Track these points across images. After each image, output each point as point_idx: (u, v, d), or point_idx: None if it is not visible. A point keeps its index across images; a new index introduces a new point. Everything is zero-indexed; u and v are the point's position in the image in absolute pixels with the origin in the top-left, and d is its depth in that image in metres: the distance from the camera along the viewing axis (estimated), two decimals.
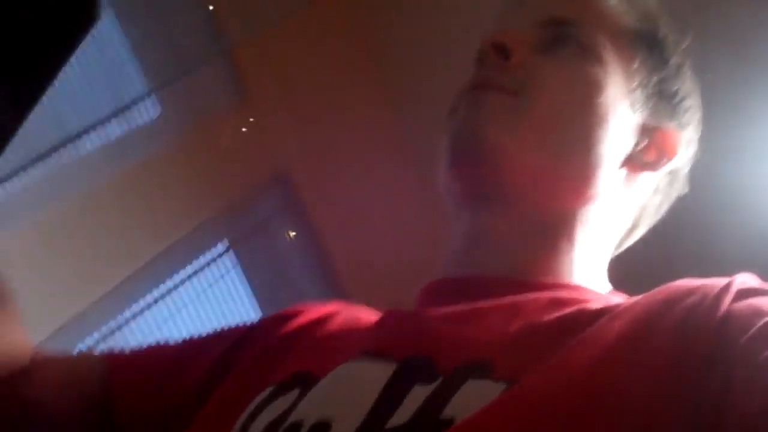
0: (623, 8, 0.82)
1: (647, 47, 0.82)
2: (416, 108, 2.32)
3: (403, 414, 0.61)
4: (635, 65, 0.80)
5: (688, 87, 0.85)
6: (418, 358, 0.66)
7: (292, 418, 0.65)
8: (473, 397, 0.60)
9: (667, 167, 0.82)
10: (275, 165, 2.32)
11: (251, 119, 2.26)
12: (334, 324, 0.81)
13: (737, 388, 0.53)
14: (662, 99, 0.82)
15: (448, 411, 0.60)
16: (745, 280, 0.62)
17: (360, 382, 0.66)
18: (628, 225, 0.84)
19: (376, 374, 0.65)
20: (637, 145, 0.80)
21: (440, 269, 0.79)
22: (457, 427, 0.58)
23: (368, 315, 0.82)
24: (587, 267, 0.79)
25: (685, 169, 0.86)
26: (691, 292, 0.62)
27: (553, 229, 0.77)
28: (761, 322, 0.56)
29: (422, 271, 0.82)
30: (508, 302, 0.71)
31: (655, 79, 0.81)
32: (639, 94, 0.80)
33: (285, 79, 2.30)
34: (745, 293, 0.60)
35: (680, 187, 0.86)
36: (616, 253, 0.85)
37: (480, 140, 0.75)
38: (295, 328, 0.82)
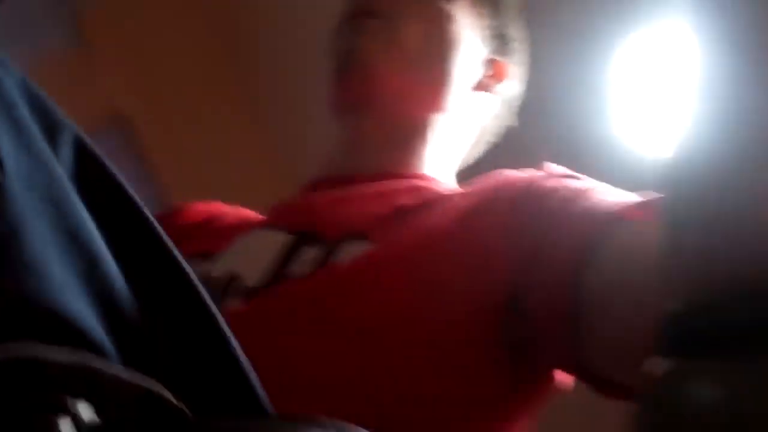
0: None
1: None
2: (254, 58, 2.41)
3: (300, 265, 0.77)
4: (483, 9, 1.00)
5: (519, 33, 1.06)
6: (306, 231, 0.82)
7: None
8: (353, 252, 0.77)
9: (500, 90, 1.03)
10: (113, 107, 2.34)
11: (88, 61, 2.27)
12: (224, 218, 0.95)
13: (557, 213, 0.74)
14: (500, 39, 1.02)
15: (335, 261, 0.77)
16: (556, 167, 0.83)
17: (260, 245, 0.82)
18: (472, 141, 1.03)
19: (272, 239, 0.81)
20: (483, 63, 1.00)
21: (321, 169, 0.97)
22: (338, 268, 0.76)
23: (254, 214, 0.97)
24: (438, 164, 0.97)
25: (515, 103, 1.07)
26: (515, 180, 0.82)
27: (411, 131, 0.96)
28: (569, 192, 0.75)
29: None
30: (376, 189, 0.89)
31: (496, 22, 1.01)
32: (486, 33, 1.00)
33: (124, 22, 2.32)
34: (556, 176, 0.80)
35: (511, 117, 1.07)
36: (463, 165, 1.04)
37: (360, 60, 0.94)
38: (185, 223, 0.95)
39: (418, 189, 0.90)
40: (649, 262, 0.57)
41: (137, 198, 0.48)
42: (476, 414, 0.73)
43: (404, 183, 0.91)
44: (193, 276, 0.48)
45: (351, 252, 0.78)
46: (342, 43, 0.97)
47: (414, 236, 0.79)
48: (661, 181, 0.53)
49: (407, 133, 0.96)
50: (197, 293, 0.47)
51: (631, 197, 0.73)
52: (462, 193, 0.86)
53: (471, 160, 1.06)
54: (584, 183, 0.78)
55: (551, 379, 0.78)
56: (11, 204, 0.40)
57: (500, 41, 1.03)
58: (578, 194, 0.75)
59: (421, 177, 0.94)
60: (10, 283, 0.39)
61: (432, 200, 0.86)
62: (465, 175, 1.03)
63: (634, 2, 1.54)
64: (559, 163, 0.85)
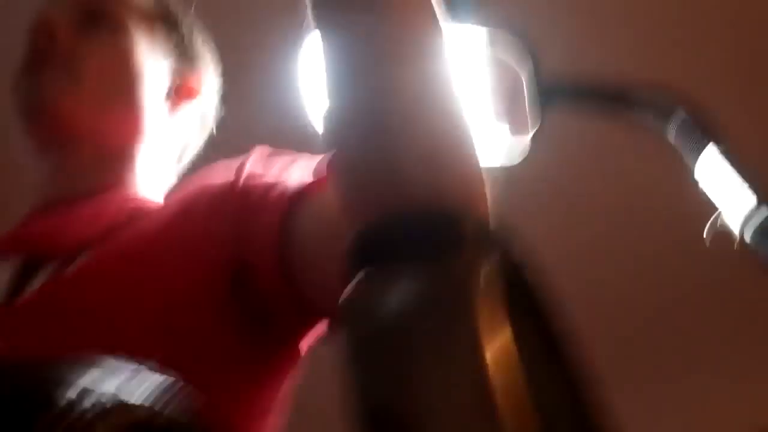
0: None
1: (163, 18, 1.08)
2: None
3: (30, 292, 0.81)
4: (156, 29, 1.06)
5: (201, 45, 1.12)
6: (31, 256, 0.86)
7: None
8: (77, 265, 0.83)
9: (194, 103, 1.09)
10: None
11: None
12: None
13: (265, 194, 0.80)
14: (183, 55, 1.08)
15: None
16: (263, 149, 0.88)
17: None
18: (176, 156, 1.09)
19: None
20: (172, 84, 1.05)
21: (37, 197, 1.00)
22: (62, 278, 0.82)
23: None
24: (146, 183, 1.01)
25: (212, 114, 1.13)
26: (219, 175, 0.87)
27: (112, 158, 1.00)
28: (264, 185, 0.81)
29: None
30: (89, 210, 0.93)
31: (174, 38, 1.07)
32: (168, 51, 1.06)
33: None
34: (258, 163, 0.86)
35: (209, 127, 1.13)
36: (172, 178, 1.08)
37: (45, 107, 0.97)
38: None
39: (128, 207, 0.95)
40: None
41: None
42: (222, 377, 0.78)
43: (115, 202, 0.96)
44: None
45: (75, 266, 0.83)
46: (25, 93, 0.99)
47: (126, 243, 0.84)
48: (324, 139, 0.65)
49: (110, 160, 1.00)
50: None
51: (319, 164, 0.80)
52: (169, 201, 0.93)
53: (182, 170, 1.12)
54: (285, 162, 0.85)
55: (297, 341, 0.84)
56: None
57: (183, 56, 1.09)
58: (271, 185, 0.81)
59: (130, 195, 0.99)
60: None
61: (141, 214, 0.92)
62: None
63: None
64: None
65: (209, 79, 1.12)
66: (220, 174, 0.87)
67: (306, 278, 0.75)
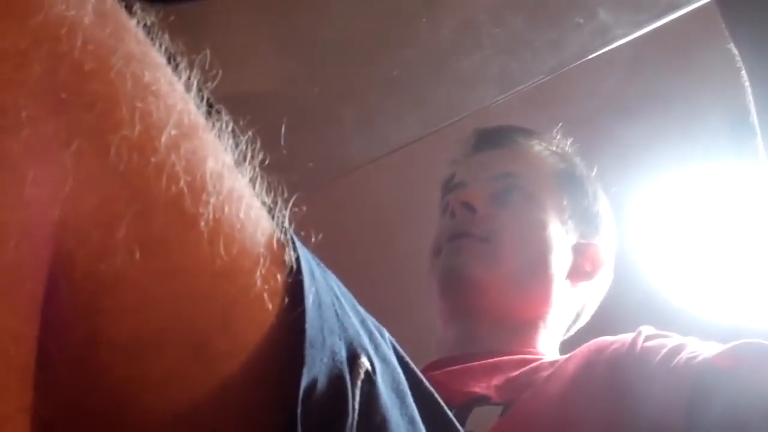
0: (548, 154, 1.11)
1: (570, 183, 1.10)
2: None
3: None
4: (564, 202, 1.08)
5: (602, 207, 1.13)
6: None
7: None
8: (482, 415, 0.87)
9: (599, 274, 1.10)
10: None
11: None
12: None
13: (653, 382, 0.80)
14: (586, 221, 1.10)
15: (468, 427, 0.85)
16: (649, 328, 0.89)
17: None
18: (573, 317, 1.11)
19: None
20: (575, 260, 1.07)
21: (435, 353, 1.06)
22: None
23: None
24: (546, 344, 1.05)
25: (609, 278, 1.14)
26: (613, 342, 0.89)
27: (523, 328, 1.04)
28: (665, 350, 0.82)
29: None
30: (491, 362, 0.97)
31: (579, 208, 1.09)
32: (570, 223, 1.08)
33: None
34: (651, 337, 0.87)
35: (609, 281, 1.15)
36: (566, 336, 1.12)
37: (465, 278, 1.02)
38: None
39: (526, 361, 0.97)
40: (755, 404, 0.69)
41: (431, 387, 0.59)
42: None
43: (514, 357, 0.99)
44: None
45: (480, 415, 0.87)
46: (447, 262, 1.04)
47: (536, 400, 0.87)
48: None
49: (516, 330, 1.04)
50: None
51: (715, 347, 0.80)
52: (566, 359, 0.94)
53: (575, 329, 1.15)
54: (675, 339, 0.85)
55: None
56: (380, 398, 0.49)
57: (586, 222, 1.11)
58: (673, 350, 0.82)
59: (530, 352, 1.02)
60: None
61: (540, 366, 0.94)
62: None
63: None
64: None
65: (609, 247, 1.13)
66: (614, 340, 0.89)
67: None
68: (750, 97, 0.66)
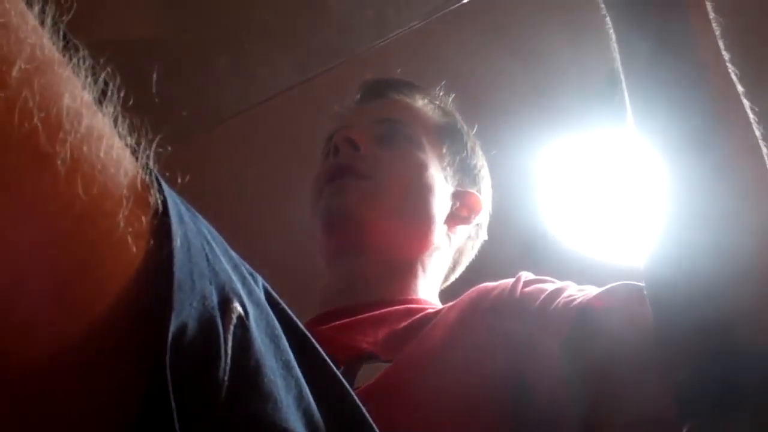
0: (430, 108, 1.14)
1: (449, 135, 1.13)
2: None
3: None
4: (444, 150, 1.11)
5: (480, 161, 1.17)
6: None
7: None
8: (369, 372, 0.86)
9: (476, 220, 1.13)
10: None
11: None
12: None
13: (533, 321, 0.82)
14: (465, 172, 1.13)
15: (356, 384, 0.85)
16: (528, 274, 0.91)
17: None
18: (450, 264, 1.13)
19: None
20: (453, 206, 1.10)
21: (320, 305, 1.05)
22: (365, 388, 0.83)
23: None
24: (427, 291, 1.07)
25: (485, 221, 1.18)
26: (493, 288, 0.91)
27: (404, 268, 1.05)
28: (544, 295, 0.84)
29: None
30: (377, 314, 0.97)
31: (458, 158, 1.12)
32: (449, 170, 1.10)
33: None
34: (530, 282, 0.89)
35: (484, 235, 1.18)
36: (446, 284, 1.15)
37: (347, 216, 1.02)
38: None
39: (413, 311, 0.98)
40: (627, 340, 0.71)
41: (306, 331, 0.58)
42: None
43: (400, 307, 0.99)
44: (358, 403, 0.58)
45: (368, 370, 0.87)
46: (329, 200, 1.04)
47: (418, 351, 0.87)
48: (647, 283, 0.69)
49: (398, 270, 1.05)
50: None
51: (592, 290, 0.82)
52: (449, 307, 0.94)
53: (453, 279, 1.17)
54: (553, 284, 0.87)
55: None
56: (254, 342, 0.48)
57: (465, 173, 1.13)
58: (552, 294, 0.84)
59: (413, 301, 1.03)
60: (257, 407, 0.47)
61: (424, 318, 0.94)
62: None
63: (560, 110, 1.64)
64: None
65: (486, 199, 1.17)
66: (495, 286, 0.91)
67: (592, 394, 0.75)
68: (618, 61, 0.69)
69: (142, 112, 0.47)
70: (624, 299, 0.76)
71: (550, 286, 0.86)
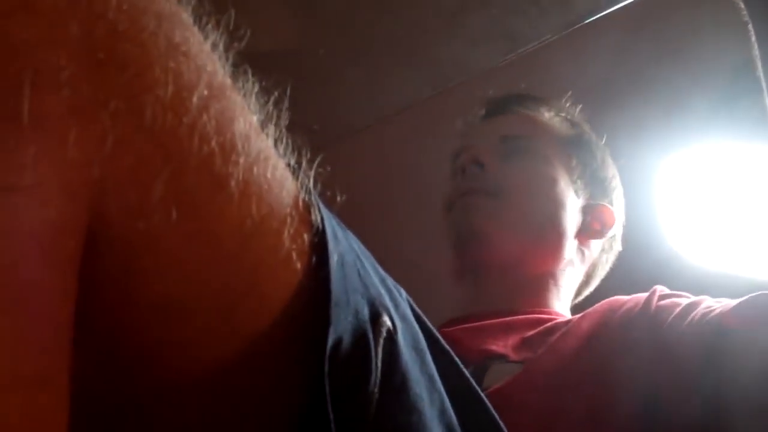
0: (557, 121, 1.13)
1: (578, 147, 1.11)
2: None
3: None
4: (574, 162, 1.09)
5: (611, 172, 1.16)
6: None
7: None
8: (499, 373, 0.87)
9: (609, 234, 1.12)
10: None
11: None
12: None
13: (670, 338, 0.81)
14: (596, 184, 1.12)
15: (485, 384, 0.86)
16: (663, 288, 0.90)
17: None
18: (583, 278, 1.13)
19: None
20: (584, 220, 1.09)
21: (449, 314, 1.07)
22: (496, 390, 0.84)
23: None
24: (558, 304, 1.06)
25: (619, 233, 1.16)
26: (627, 301, 0.90)
27: (534, 282, 1.06)
28: (678, 309, 0.83)
29: None
30: (507, 320, 0.99)
31: (588, 170, 1.11)
32: (580, 183, 1.09)
33: None
34: (665, 296, 0.88)
35: (618, 246, 1.17)
36: (578, 299, 1.14)
37: (476, 233, 1.04)
38: None
39: (541, 321, 0.99)
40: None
41: (447, 346, 0.59)
42: None
43: (529, 317, 1.00)
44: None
45: (497, 373, 0.88)
46: (456, 218, 1.07)
47: (551, 357, 0.88)
48: None
49: (527, 285, 1.06)
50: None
51: (728, 304, 0.80)
52: (580, 317, 0.94)
53: (588, 292, 1.17)
54: (688, 299, 0.86)
55: None
56: (402, 356, 0.49)
57: (596, 185, 1.12)
58: (687, 308, 0.83)
59: (543, 312, 1.03)
60: (404, 419, 0.49)
61: (555, 326, 0.95)
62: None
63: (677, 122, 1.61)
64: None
65: (618, 210, 1.16)
66: (629, 299, 0.90)
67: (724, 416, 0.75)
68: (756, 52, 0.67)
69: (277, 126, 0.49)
70: (762, 314, 0.74)
71: (685, 301, 0.85)
